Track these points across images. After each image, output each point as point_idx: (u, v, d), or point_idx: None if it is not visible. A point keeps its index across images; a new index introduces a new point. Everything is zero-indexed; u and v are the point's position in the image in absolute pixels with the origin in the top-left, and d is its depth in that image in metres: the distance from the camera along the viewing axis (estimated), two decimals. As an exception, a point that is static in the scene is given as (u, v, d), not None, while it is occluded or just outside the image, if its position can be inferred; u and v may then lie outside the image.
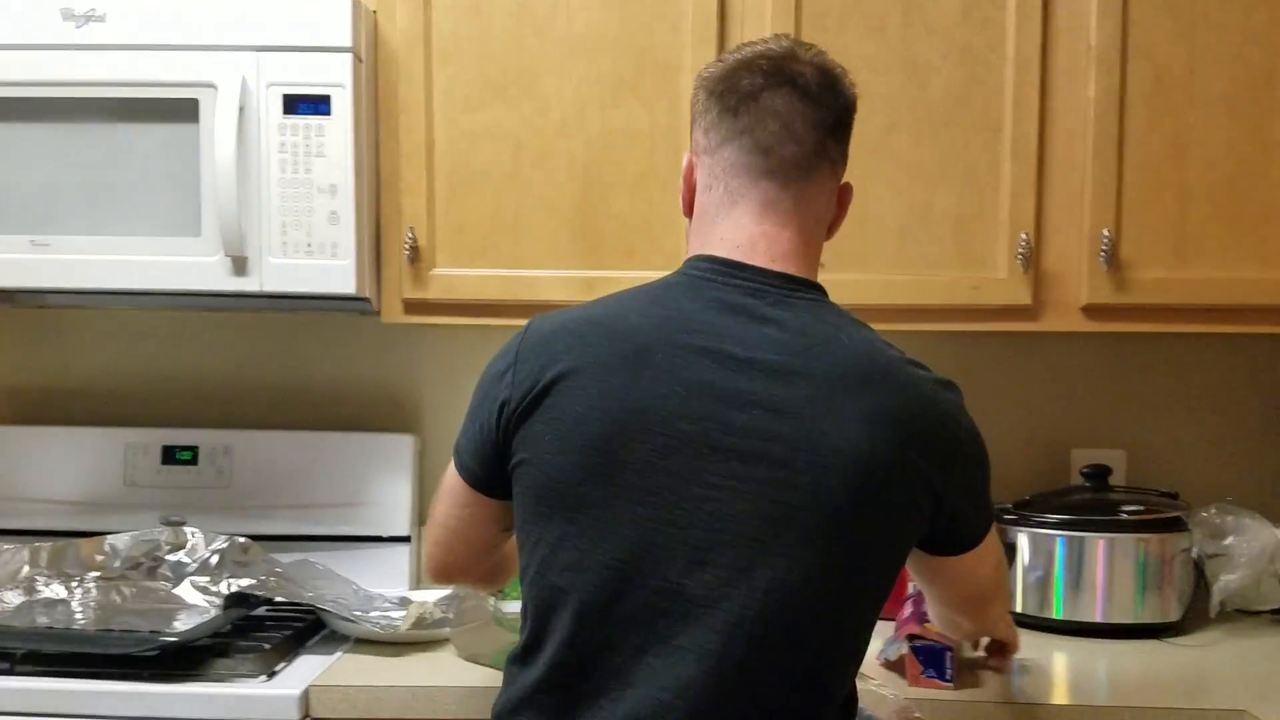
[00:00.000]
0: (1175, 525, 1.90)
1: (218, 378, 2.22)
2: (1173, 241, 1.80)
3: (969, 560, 1.25)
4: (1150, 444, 2.14)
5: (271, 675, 1.59)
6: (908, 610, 1.76)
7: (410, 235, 1.85)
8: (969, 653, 1.63)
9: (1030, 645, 1.82)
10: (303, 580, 1.81)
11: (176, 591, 1.82)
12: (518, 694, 1.14)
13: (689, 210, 1.23)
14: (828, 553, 1.07)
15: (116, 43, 1.77)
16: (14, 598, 1.79)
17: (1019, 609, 1.91)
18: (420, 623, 1.72)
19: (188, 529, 1.90)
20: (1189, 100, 1.79)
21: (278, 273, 1.79)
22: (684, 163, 1.24)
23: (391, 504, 2.08)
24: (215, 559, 1.85)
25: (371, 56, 1.85)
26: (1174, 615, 1.88)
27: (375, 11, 1.86)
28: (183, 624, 1.69)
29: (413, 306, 1.89)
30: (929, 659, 1.58)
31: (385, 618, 1.76)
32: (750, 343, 1.09)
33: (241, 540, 1.88)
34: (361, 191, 1.81)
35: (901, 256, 1.83)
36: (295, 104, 1.76)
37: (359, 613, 1.76)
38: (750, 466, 1.06)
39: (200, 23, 1.76)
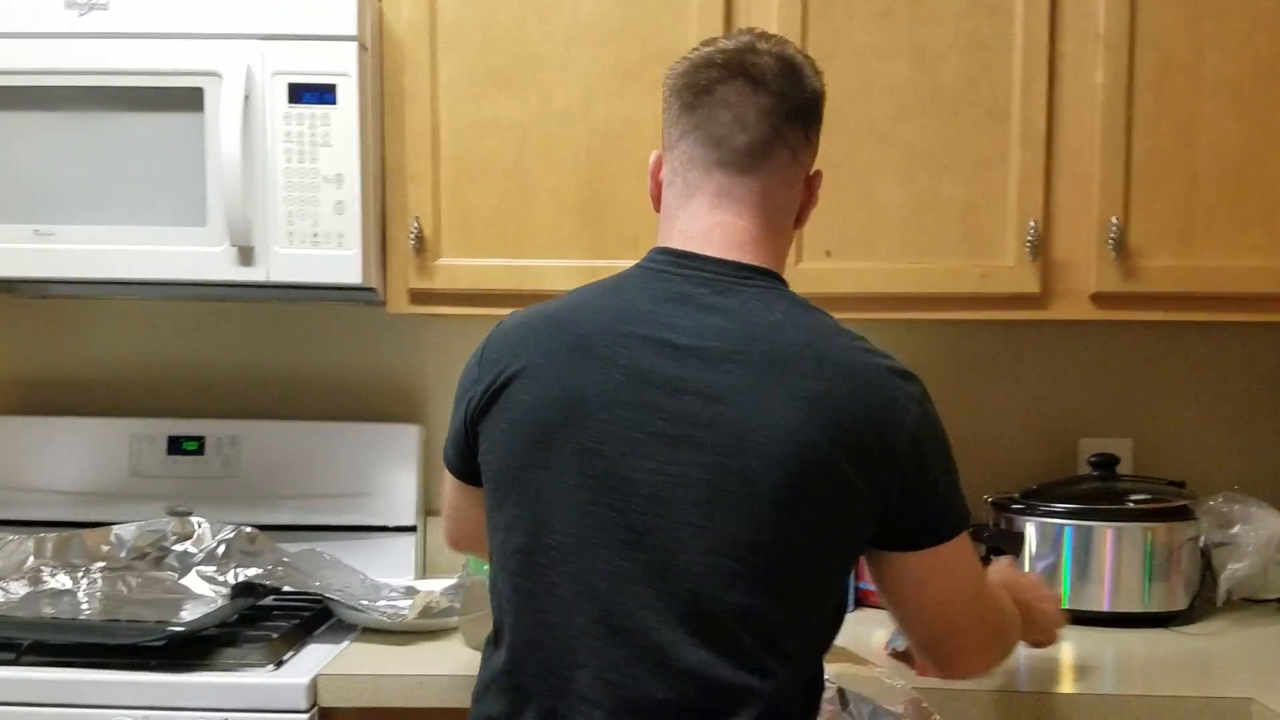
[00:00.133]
0: (1182, 514, 1.89)
1: (223, 368, 2.21)
2: (1181, 229, 1.80)
3: (927, 562, 1.15)
4: (1157, 433, 2.14)
5: (279, 664, 1.59)
6: (915, 599, 1.76)
7: (415, 225, 1.85)
8: None
9: (1037, 634, 1.83)
10: (310, 570, 1.81)
11: (183, 581, 1.82)
12: (486, 677, 1.18)
13: (657, 205, 1.25)
14: (759, 537, 1.07)
15: (120, 31, 1.76)
16: (20, 588, 1.80)
17: (1026, 598, 1.90)
18: (427, 611, 1.72)
19: (194, 519, 1.90)
20: (1197, 87, 1.79)
21: (284, 263, 1.78)
22: (651, 160, 1.26)
23: (397, 494, 2.08)
24: (222, 549, 1.85)
25: (377, 45, 1.84)
26: (1181, 604, 1.88)
27: (380, 0, 1.85)
28: (190, 614, 1.69)
29: (418, 297, 1.88)
30: (937, 648, 1.57)
31: (392, 607, 1.76)
32: (691, 331, 1.10)
33: (248, 530, 1.88)
34: (367, 181, 1.80)
35: (909, 244, 1.82)
36: (300, 93, 1.76)
37: (366, 602, 1.76)
38: (683, 452, 1.08)
39: (204, 11, 1.76)
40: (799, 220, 1.24)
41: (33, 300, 2.21)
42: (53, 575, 1.83)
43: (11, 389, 2.24)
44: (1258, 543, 1.89)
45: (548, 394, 1.12)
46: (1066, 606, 1.87)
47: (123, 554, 1.87)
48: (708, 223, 1.17)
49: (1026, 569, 1.91)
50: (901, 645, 1.64)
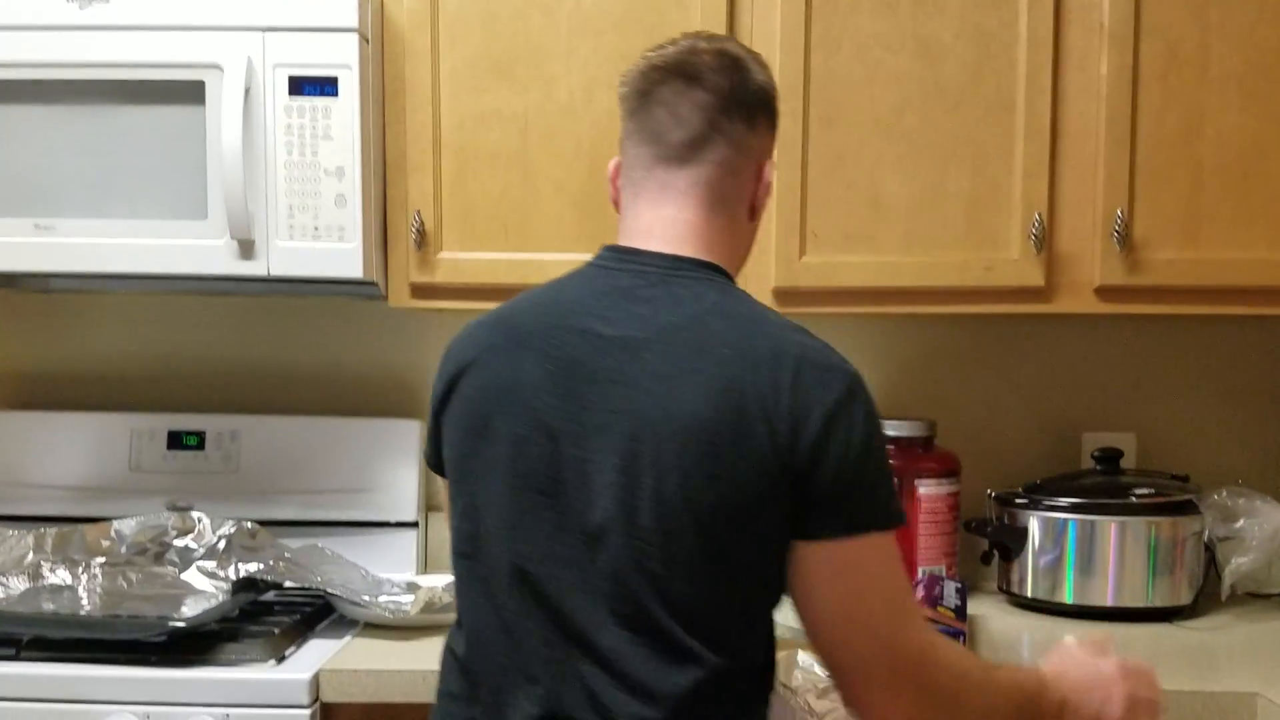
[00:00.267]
0: (1186, 508, 1.89)
1: (224, 362, 2.21)
2: (1186, 222, 1.79)
3: (833, 556, 1.10)
4: (1161, 427, 2.14)
5: (281, 659, 1.59)
6: (920, 594, 1.76)
7: (417, 218, 1.84)
8: None
9: (1041, 629, 1.82)
10: (311, 565, 1.81)
11: (184, 577, 1.82)
12: (448, 656, 1.23)
13: (619, 209, 1.28)
14: (670, 523, 1.08)
15: (120, 24, 1.75)
16: (20, 584, 1.79)
17: (1029, 593, 1.90)
18: (429, 607, 1.72)
19: (195, 514, 1.90)
20: (1202, 79, 1.78)
21: (285, 256, 1.77)
22: (610, 167, 1.29)
23: (399, 489, 2.07)
24: (223, 544, 1.85)
25: (378, 37, 1.83)
26: (1185, 598, 1.88)
27: (381, -9, 1.85)
28: (190, 609, 1.69)
29: (420, 290, 1.88)
30: (941, 642, 1.57)
31: (394, 602, 1.75)
32: (620, 322, 1.13)
33: (249, 525, 1.88)
34: (368, 174, 1.79)
35: (913, 238, 1.82)
36: (301, 85, 1.75)
37: (368, 597, 1.75)
38: (604, 438, 1.10)
39: (205, 3, 1.75)
40: (754, 212, 1.25)
41: (33, 294, 2.20)
42: (53, 571, 1.82)
43: (11, 383, 2.23)
44: (1262, 537, 1.88)
45: (487, 385, 1.17)
46: (1070, 601, 1.87)
47: (123, 549, 1.87)
48: (650, 218, 1.21)
49: (1030, 564, 1.90)
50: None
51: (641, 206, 1.22)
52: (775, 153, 1.77)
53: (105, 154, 1.77)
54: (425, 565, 2.10)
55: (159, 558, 1.86)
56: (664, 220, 1.20)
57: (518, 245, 1.85)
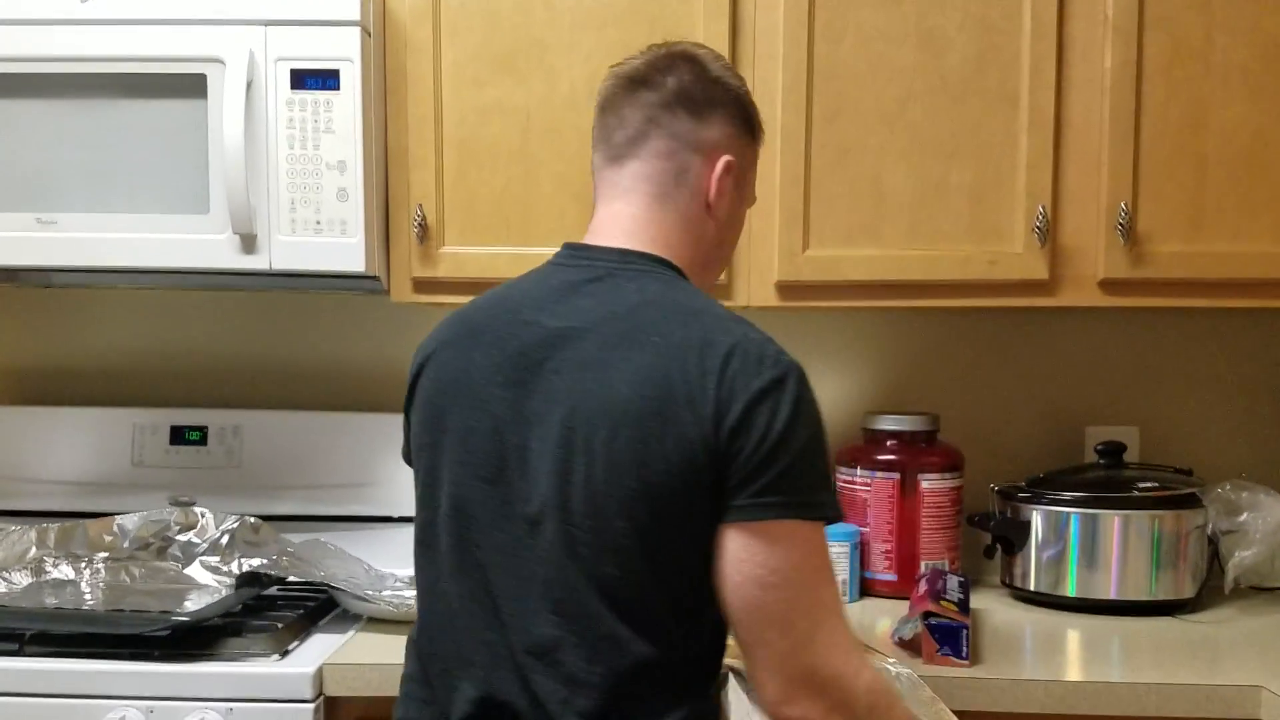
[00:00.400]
0: (1190, 502, 1.89)
1: (226, 357, 2.20)
2: (1190, 214, 1.79)
3: (742, 538, 1.09)
4: (1165, 420, 2.13)
5: (285, 654, 1.59)
6: (922, 588, 1.75)
7: (419, 212, 1.84)
8: None
9: (1045, 623, 1.82)
10: (314, 560, 1.80)
11: (187, 572, 1.81)
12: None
13: None
14: (600, 508, 1.10)
15: (122, 17, 1.75)
16: (22, 579, 1.79)
17: (1033, 587, 1.90)
18: (432, 602, 1.72)
19: (198, 509, 1.89)
20: (1206, 71, 1.77)
21: (287, 251, 1.77)
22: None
23: (401, 484, 2.04)
24: (226, 539, 1.85)
25: (379, 30, 1.83)
26: (1188, 592, 1.88)
27: (383, -15, 1.84)
28: (194, 604, 1.68)
29: (422, 285, 1.87)
30: (945, 636, 1.57)
31: (397, 596, 1.75)
32: (565, 314, 1.17)
33: (252, 520, 1.87)
34: (370, 168, 1.79)
35: (916, 231, 1.81)
36: (303, 79, 1.75)
37: (371, 592, 1.75)
38: (543, 426, 1.13)
39: (206, -4, 1.75)
40: (711, 206, 1.26)
41: (35, 289, 2.20)
42: (55, 566, 1.82)
43: (13, 378, 2.23)
44: (1265, 530, 1.88)
45: (441, 379, 1.23)
46: (1073, 595, 1.87)
47: (126, 544, 1.87)
48: (602, 215, 1.26)
49: (1033, 558, 1.90)
50: (908, 634, 1.64)
51: (599, 206, 1.28)
52: (777, 145, 1.80)
53: (107, 148, 1.77)
54: (428, 560, 2.09)
55: (162, 553, 1.86)
56: (613, 216, 1.25)
57: (520, 239, 1.85)
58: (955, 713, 1.48)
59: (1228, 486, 1.92)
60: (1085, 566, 1.86)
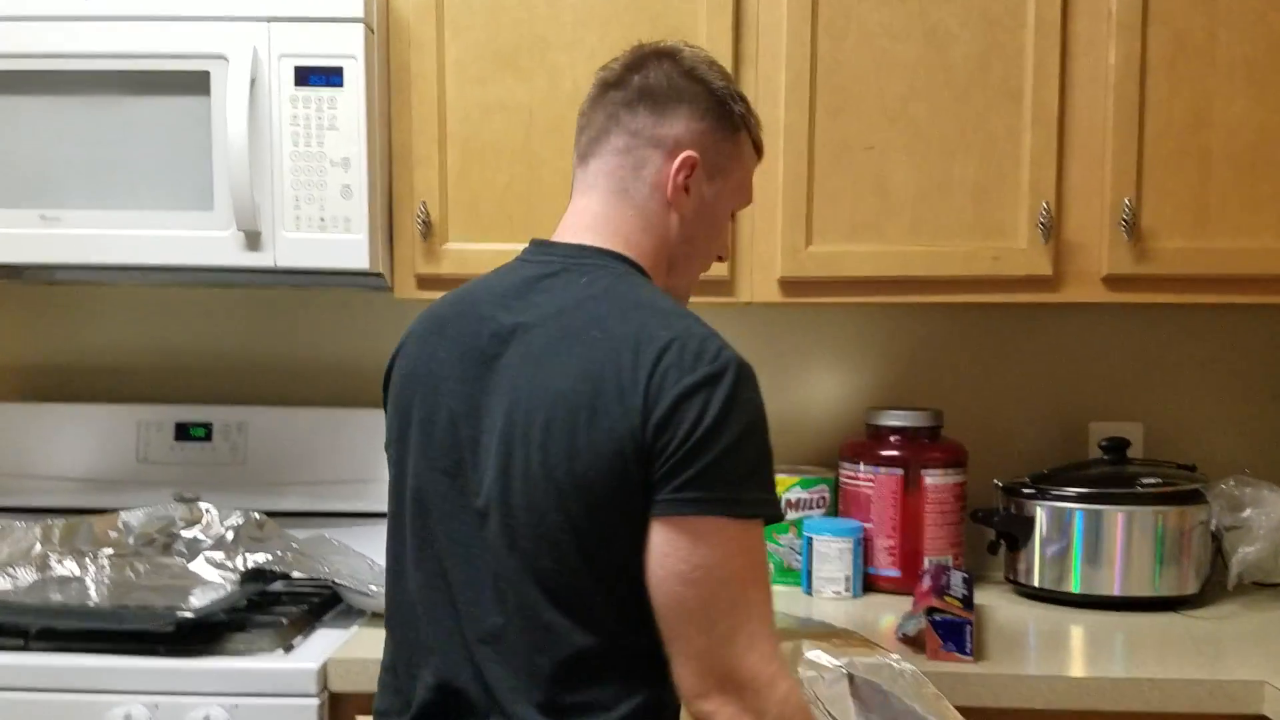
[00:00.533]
0: (1193, 498, 1.89)
1: (231, 354, 2.21)
2: (1194, 210, 1.79)
3: (665, 533, 1.08)
4: (1168, 416, 2.13)
5: (289, 649, 1.59)
6: (926, 584, 1.76)
7: (422, 209, 1.84)
8: None
9: (1048, 619, 1.82)
10: (319, 555, 1.80)
11: (191, 567, 1.82)
12: (384, 641, 1.29)
13: None
14: (535, 501, 1.10)
15: (126, 14, 1.75)
16: (27, 575, 1.79)
17: (1036, 583, 1.90)
18: (436, 597, 1.72)
19: (202, 505, 1.90)
20: (1210, 67, 1.77)
21: (291, 247, 1.77)
22: None
23: (405, 480, 2.07)
24: (230, 535, 1.85)
25: (383, 27, 1.83)
26: (1192, 588, 1.88)
27: (386, -19, 1.84)
28: (198, 600, 1.68)
29: (425, 282, 1.88)
30: (949, 632, 1.57)
31: (401, 593, 1.75)
32: (517, 310, 1.18)
33: (256, 516, 1.88)
34: (374, 165, 1.79)
35: (920, 227, 1.81)
36: (307, 76, 1.75)
37: (375, 587, 1.75)
38: (490, 420, 1.15)
39: (209, -8, 1.75)
40: (671, 202, 1.24)
41: (38, 286, 2.21)
42: (60, 562, 1.82)
43: (18, 375, 2.23)
44: (1269, 526, 1.88)
45: (407, 372, 1.25)
46: (1077, 591, 1.87)
47: (131, 540, 1.87)
48: (569, 212, 1.28)
49: (1037, 554, 1.90)
50: (912, 630, 1.64)
51: (569, 203, 1.29)
52: (780, 142, 1.80)
53: (111, 145, 1.77)
54: (432, 556, 2.10)
55: (167, 549, 1.86)
56: (575, 212, 1.26)
57: (523, 236, 1.79)
58: (959, 709, 1.48)
59: (1231, 482, 1.92)
60: (1089, 562, 1.86)
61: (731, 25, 1.80)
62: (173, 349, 2.21)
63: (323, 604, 1.77)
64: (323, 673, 1.56)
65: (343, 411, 2.10)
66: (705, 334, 1.12)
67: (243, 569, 1.77)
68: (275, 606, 1.72)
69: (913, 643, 1.63)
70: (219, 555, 1.82)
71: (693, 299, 1.84)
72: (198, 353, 2.21)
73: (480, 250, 1.85)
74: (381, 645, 1.61)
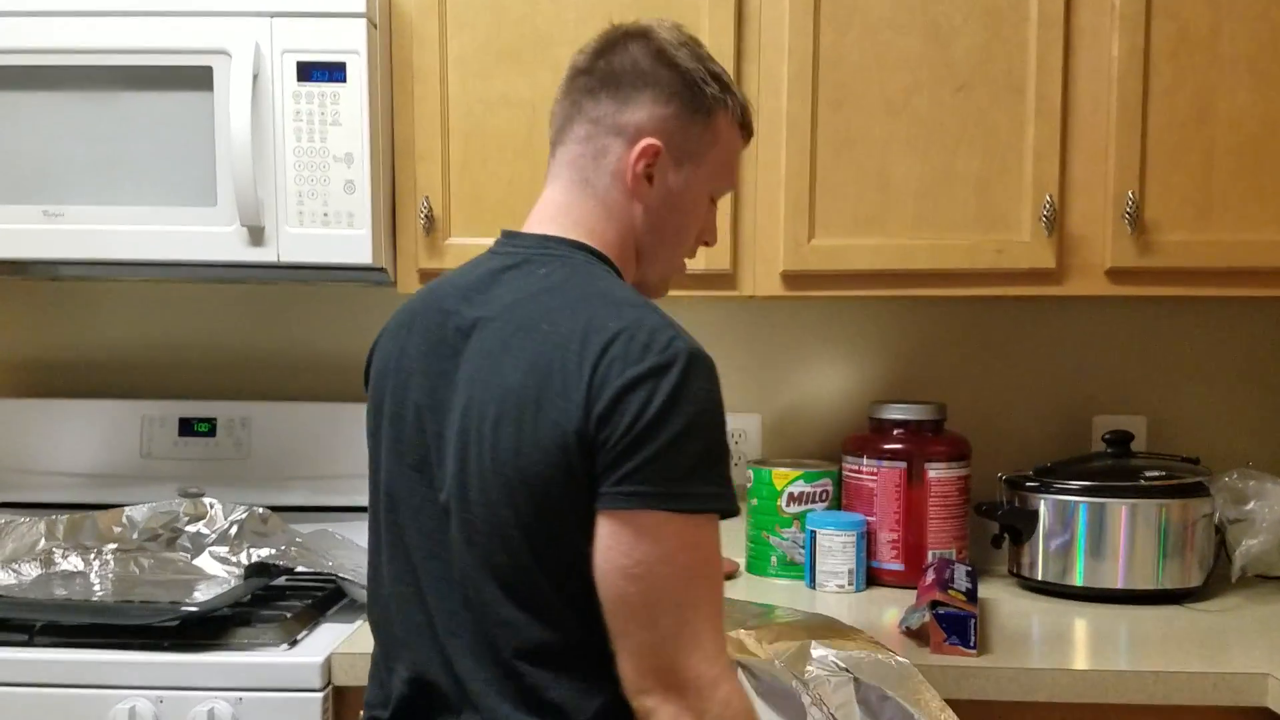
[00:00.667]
0: (1197, 491, 1.89)
1: (234, 349, 2.21)
2: (1197, 203, 1.78)
3: (608, 527, 1.06)
4: (1172, 410, 2.13)
5: (293, 644, 1.59)
6: (930, 577, 1.76)
7: (425, 204, 1.84)
8: None
9: (1052, 612, 1.82)
10: (322, 550, 1.81)
11: (196, 562, 1.82)
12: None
13: None
14: (488, 496, 1.10)
15: (128, 9, 1.75)
16: (32, 570, 1.80)
17: (1040, 576, 1.90)
18: (440, 592, 1.72)
19: (206, 500, 1.90)
20: (1213, 60, 1.77)
21: (294, 243, 1.78)
22: None
23: (408, 475, 2.07)
24: (234, 530, 1.86)
25: (386, 22, 1.83)
26: (1195, 581, 1.88)
27: (388, -24, 1.84)
28: (203, 594, 1.69)
29: (428, 277, 1.86)
30: (952, 626, 1.57)
31: (405, 587, 1.75)
32: (480, 303, 1.18)
33: (260, 511, 1.88)
34: (377, 160, 1.79)
35: (923, 220, 1.81)
36: (310, 71, 1.75)
37: (379, 582, 1.76)
38: (450, 415, 1.15)
39: (212, -13, 1.75)
40: (635, 192, 1.22)
41: (42, 282, 2.21)
42: (64, 557, 1.83)
43: (22, 371, 2.23)
44: (1272, 519, 1.88)
45: (378, 367, 1.26)
46: (1081, 584, 1.87)
47: (135, 535, 1.87)
48: (538, 202, 1.27)
49: (1040, 547, 1.90)
50: (916, 624, 1.64)
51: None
52: (782, 135, 1.80)
53: (114, 140, 1.77)
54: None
55: (171, 543, 1.87)
56: (542, 202, 1.26)
57: None
58: (963, 702, 1.48)
59: (1235, 475, 1.92)
60: (1092, 555, 1.86)
61: (734, 18, 1.80)
62: (176, 344, 2.22)
63: (326, 598, 1.77)
64: (327, 667, 1.56)
65: (346, 406, 2.10)
66: (657, 324, 1.09)
67: (247, 563, 1.77)
68: (279, 601, 1.72)
69: (916, 636, 1.63)
70: (223, 550, 1.83)
71: (694, 293, 1.86)
72: (201, 348, 2.21)
73: (483, 245, 1.79)
74: (385, 639, 1.63)
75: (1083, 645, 1.68)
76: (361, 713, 1.28)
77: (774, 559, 2.02)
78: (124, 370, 2.22)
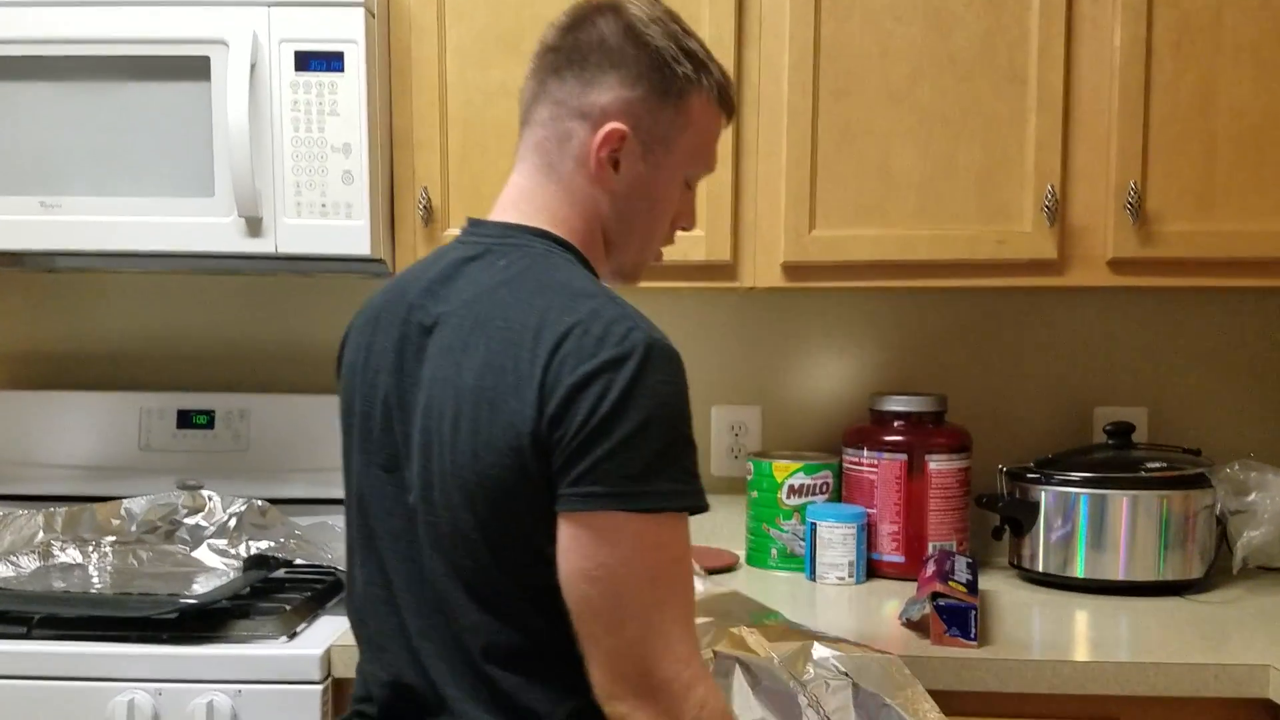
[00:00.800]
0: (1198, 482, 1.88)
1: (233, 341, 2.20)
2: (1199, 193, 1.78)
3: (569, 530, 1.02)
4: (1173, 401, 2.13)
5: (292, 636, 1.59)
6: (930, 569, 1.75)
7: (424, 195, 1.83)
8: None
9: (1053, 604, 1.82)
10: (321, 542, 1.81)
11: (195, 555, 1.82)
12: None
13: None
14: (450, 498, 1.07)
15: (125, -1, 1.74)
16: (30, 563, 1.80)
17: (1041, 567, 1.90)
18: (440, 584, 1.72)
19: (205, 492, 1.90)
20: (1216, 48, 1.76)
21: (292, 234, 1.77)
22: None
23: (408, 466, 2.06)
24: (233, 522, 1.85)
25: (384, 12, 1.82)
26: (1196, 573, 1.87)
27: (386, -35, 1.83)
28: (202, 587, 1.69)
29: (427, 267, 1.87)
30: (953, 617, 1.57)
31: (404, 579, 1.75)
32: (443, 297, 1.14)
33: (259, 503, 1.88)
34: (375, 150, 1.78)
35: (924, 211, 1.80)
36: (307, 61, 1.74)
37: (378, 574, 1.75)
38: (415, 415, 1.12)
39: (209, -23, 1.74)
40: (599, 179, 1.16)
41: (40, 274, 2.20)
42: (63, 550, 1.83)
43: (19, 363, 2.23)
44: (1274, 510, 1.88)
45: (347, 363, 1.23)
46: (1082, 576, 1.87)
47: (133, 528, 1.87)
48: (505, 186, 1.22)
49: (1041, 539, 1.90)
50: (916, 615, 1.63)
51: None
52: (783, 124, 1.79)
53: (111, 131, 1.76)
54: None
55: (170, 536, 1.86)
56: (508, 188, 1.21)
57: None
58: (964, 693, 1.48)
59: (1236, 466, 1.91)
60: (1093, 547, 1.86)
61: (735, 6, 1.79)
62: (174, 336, 2.21)
63: (326, 590, 1.76)
64: (326, 659, 1.55)
65: (345, 398, 2.09)
66: (614, 316, 1.04)
67: (245, 556, 1.77)
68: (278, 593, 1.72)
69: (917, 627, 1.63)
70: (222, 542, 1.83)
71: (694, 284, 1.85)
72: (200, 340, 2.21)
73: (482, 236, 1.84)
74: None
75: (1083, 637, 1.68)
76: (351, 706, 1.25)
77: (774, 551, 2.02)
78: (122, 362, 2.21)
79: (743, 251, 1.84)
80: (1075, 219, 1.79)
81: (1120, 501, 1.85)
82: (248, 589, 1.68)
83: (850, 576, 1.93)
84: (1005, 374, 2.14)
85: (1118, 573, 1.86)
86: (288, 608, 1.64)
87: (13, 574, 1.76)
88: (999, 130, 1.78)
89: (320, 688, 1.54)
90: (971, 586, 1.65)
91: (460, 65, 1.83)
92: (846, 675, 1.37)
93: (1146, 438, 2.09)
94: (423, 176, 1.84)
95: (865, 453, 1.99)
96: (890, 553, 1.97)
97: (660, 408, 1.01)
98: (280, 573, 1.78)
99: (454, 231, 1.82)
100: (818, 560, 1.94)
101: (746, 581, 1.94)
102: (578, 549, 1.02)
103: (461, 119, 1.83)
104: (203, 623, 1.57)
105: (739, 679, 1.35)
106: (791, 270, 1.84)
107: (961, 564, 1.76)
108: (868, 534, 1.96)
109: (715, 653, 1.37)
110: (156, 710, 1.51)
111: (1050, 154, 1.77)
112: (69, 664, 1.54)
